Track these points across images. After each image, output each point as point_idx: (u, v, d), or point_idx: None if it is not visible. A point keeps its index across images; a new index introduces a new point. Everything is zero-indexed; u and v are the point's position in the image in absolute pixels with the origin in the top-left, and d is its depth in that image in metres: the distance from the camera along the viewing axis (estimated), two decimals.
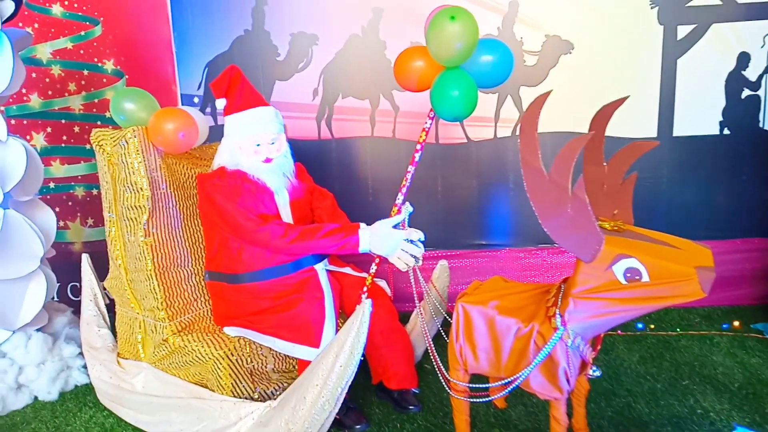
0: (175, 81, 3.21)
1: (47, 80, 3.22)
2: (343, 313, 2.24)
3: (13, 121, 3.24)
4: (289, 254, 2.09)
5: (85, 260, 2.46)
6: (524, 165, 1.58)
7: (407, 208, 2.04)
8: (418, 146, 2.00)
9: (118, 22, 3.18)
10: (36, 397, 2.39)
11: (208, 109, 3.22)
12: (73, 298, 3.43)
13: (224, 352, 1.96)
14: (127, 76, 3.22)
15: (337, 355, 1.65)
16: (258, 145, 2.11)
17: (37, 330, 2.45)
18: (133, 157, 2.02)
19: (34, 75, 3.19)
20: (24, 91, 3.20)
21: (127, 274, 2.14)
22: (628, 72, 3.06)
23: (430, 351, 1.90)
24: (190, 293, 2.18)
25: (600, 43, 3.04)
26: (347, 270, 2.29)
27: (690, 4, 2.97)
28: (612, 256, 1.47)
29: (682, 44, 3.02)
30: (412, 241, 2.00)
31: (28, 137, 3.24)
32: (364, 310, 1.61)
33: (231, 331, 2.07)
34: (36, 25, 3.18)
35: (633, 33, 3.02)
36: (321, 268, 2.18)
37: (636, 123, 3.10)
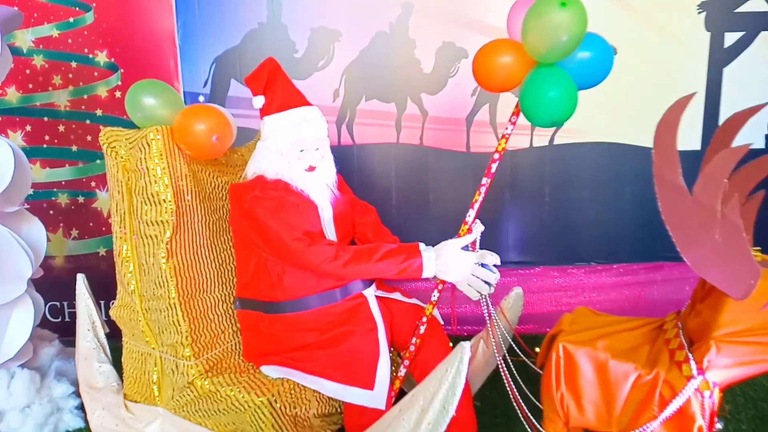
0: (177, 77, 2.86)
1: (28, 72, 2.81)
2: (395, 348, 1.95)
3: None
4: (340, 279, 1.79)
5: (81, 281, 2.08)
6: (659, 181, 1.33)
7: (479, 227, 1.77)
8: (496, 155, 1.74)
9: (114, 9, 2.80)
10: None
11: None
12: (52, 320, 3.01)
13: (267, 399, 1.64)
14: (122, 70, 2.84)
15: (424, 411, 1.35)
16: (301, 150, 1.80)
17: (21, 366, 2.05)
18: (155, 163, 1.68)
19: (11, 65, 2.77)
20: None
21: (141, 302, 1.79)
22: (671, 79, 2.88)
23: (514, 400, 1.63)
24: (218, 324, 1.84)
25: (642, 48, 2.84)
26: (396, 296, 1.99)
27: (739, 9, 2.82)
28: None
29: (729, 52, 2.86)
30: (484, 265, 1.73)
31: (3, 136, 2.82)
32: (461, 355, 1.32)
33: (271, 371, 1.75)
34: (15, 9, 2.76)
35: (678, 38, 2.84)
36: (371, 294, 1.88)
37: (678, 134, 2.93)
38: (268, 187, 1.77)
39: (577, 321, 1.62)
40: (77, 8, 2.79)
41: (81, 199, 2.92)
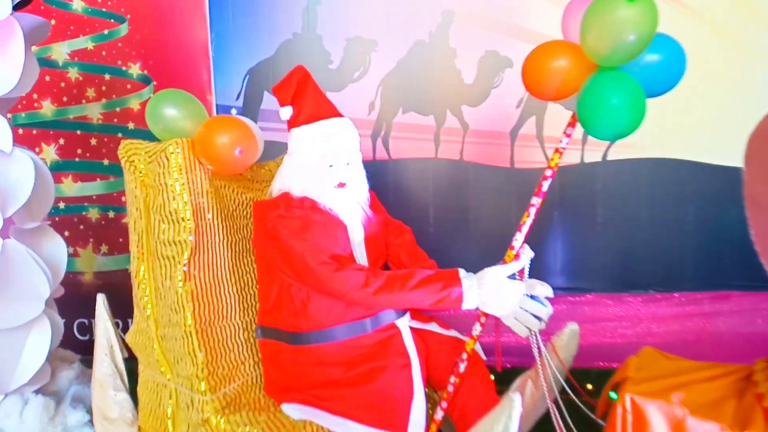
0: (210, 89, 2.78)
1: (62, 84, 2.79)
2: (430, 386, 1.76)
3: (20, 131, 2.80)
4: (370, 308, 1.62)
5: (101, 301, 1.97)
6: (752, 204, 1.10)
7: (528, 253, 1.57)
8: (549, 172, 1.54)
9: (147, 21, 2.76)
10: None
11: None
12: (80, 338, 2.94)
13: None
14: (155, 83, 2.79)
15: None
16: (330, 165, 1.65)
17: (36, 392, 1.96)
18: (174, 178, 1.55)
19: (47, 78, 2.77)
20: (35, 96, 2.78)
21: (157, 329, 1.66)
22: (741, 90, 2.60)
23: None
24: (237, 355, 1.69)
25: (708, 55, 2.59)
26: (433, 327, 1.80)
27: None
28: None
29: None
30: (534, 297, 1.53)
31: (37, 149, 2.80)
32: (510, 410, 1.11)
33: (292, 411, 1.58)
34: (53, 22, 2.75)
35: (750, 45, 2.57)
36: (404, 324, 1.70)
37: None
38: (294, 205, 1.62)
39: (644, 366, 1.38)
40: (112, 20, 2.75)
41: (111, 214, 2.86)
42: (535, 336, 1.55)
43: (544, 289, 1.53)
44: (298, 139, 1.68)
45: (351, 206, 1.71)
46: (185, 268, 1.58)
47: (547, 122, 2.67)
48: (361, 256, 1.72)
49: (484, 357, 1.83)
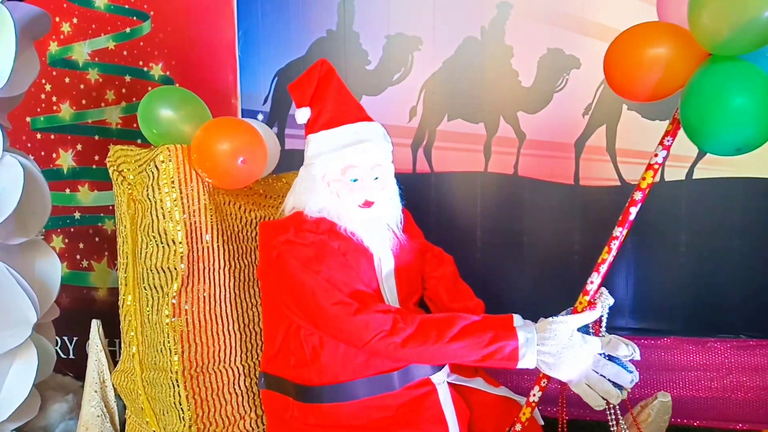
0: (236, 93, 2.54)
1: (82, 87, 2.61)
2: None
3: (39, 135, 2.65)
4: (397, 361, 1.30)
5: (95, 328, 1.74)
6: None
7: (607, 300, 1.21)
8: (638, 195, 1.18)
9: (171, 18, 2.54)
10: None
11: (275, 129, 2.52)
12: None
13: None
14: (177, 85, 2.57)
15: None
16: (354, 180, 1.34)
17: (16, 431, 1.72)
18: (164, 192, 1.29)
19: (67, 80, 2.61)
20: (55, 98, 2.62)
21: (142, 371, 1.38)
22: None
23: None
24: (236, 407, 1.40)
25: None
26: (478, 383, 1.45)
27: None
28: None
29: None
30: (614, 359, 1.17)
31: (54, 155, 2.64)
32: None
33: None
34: (75, 20, 2.59)
35: None
36: (441, 380, 1.37)
37: None
38: (307, 228, 1.32)
39: None
40: (135, 17, 2.56)
41: None
42: (614, 410, 1.18)
43: (628, 350, 1.16)
44: (316, 147, 1.38)
45: (379, 230, 1.41)
46: (174, 301, 1.29)
47: (620, 132, 2.27)
48: (389, 292, 1.41)
49: (541, 422, 1.46)
